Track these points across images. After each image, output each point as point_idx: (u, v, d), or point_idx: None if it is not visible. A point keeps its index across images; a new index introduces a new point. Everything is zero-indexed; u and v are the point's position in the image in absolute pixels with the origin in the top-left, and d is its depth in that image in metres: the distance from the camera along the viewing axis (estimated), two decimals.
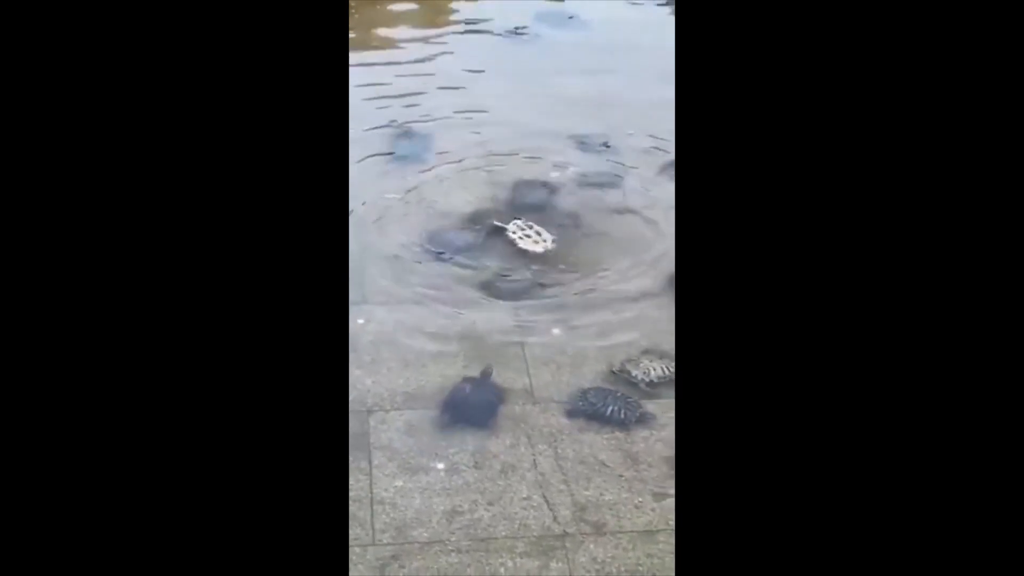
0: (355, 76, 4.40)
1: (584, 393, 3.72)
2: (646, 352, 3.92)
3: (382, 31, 6.29)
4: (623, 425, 3.62)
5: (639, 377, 3.81)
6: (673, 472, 3.43)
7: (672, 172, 4.93)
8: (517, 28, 6.43)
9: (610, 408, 3.64)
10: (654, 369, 3.83)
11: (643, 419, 3.65)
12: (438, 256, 4.44)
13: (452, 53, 6.16)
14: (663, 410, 3.69)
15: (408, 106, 5.53)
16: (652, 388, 3.78)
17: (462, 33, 6.45)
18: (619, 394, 3.70)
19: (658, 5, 6.91)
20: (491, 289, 4.28)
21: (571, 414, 3.66)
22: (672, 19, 5.96)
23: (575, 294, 4.27)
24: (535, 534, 3.22)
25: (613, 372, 3.85)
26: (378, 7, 6.55)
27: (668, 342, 3.94)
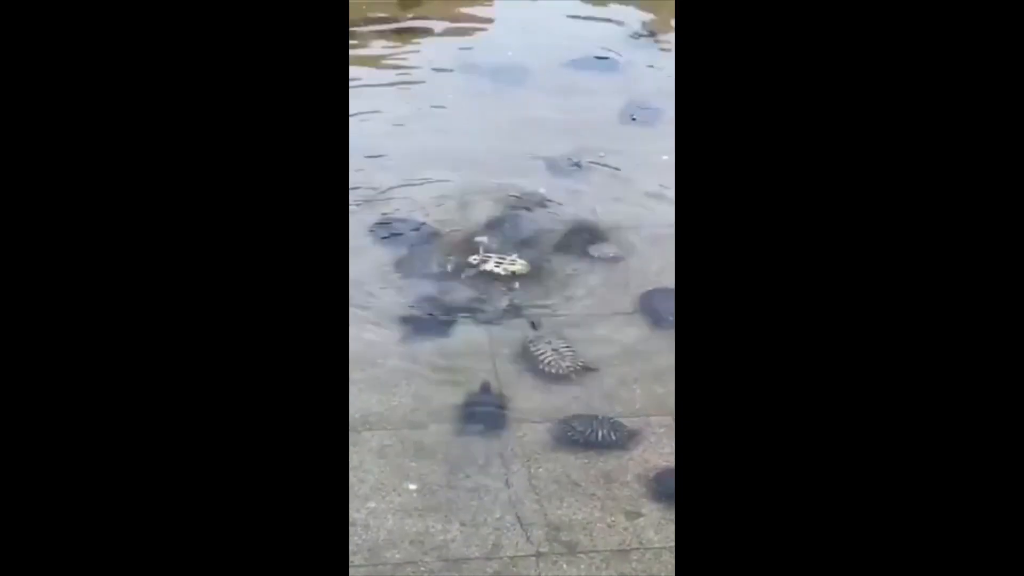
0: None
1: (568, 421, 3.68)
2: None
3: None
4: (611, 448, 3.60)
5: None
6: (646, 491, 3.43)
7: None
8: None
9: (600, 433, 3.62)
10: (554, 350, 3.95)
11: (631, 438, 3.62)
12: (408, 276, 4.43)
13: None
14: (641, 426, 3.69)
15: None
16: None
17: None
18: (602, 418, 3.68)
19: None
20: (462, 310, 4.27)
21: (559, 442, 3.62)
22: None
23: (548, 315, 4.27)
24: (508, 554, 3.20)
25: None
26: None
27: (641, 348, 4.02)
